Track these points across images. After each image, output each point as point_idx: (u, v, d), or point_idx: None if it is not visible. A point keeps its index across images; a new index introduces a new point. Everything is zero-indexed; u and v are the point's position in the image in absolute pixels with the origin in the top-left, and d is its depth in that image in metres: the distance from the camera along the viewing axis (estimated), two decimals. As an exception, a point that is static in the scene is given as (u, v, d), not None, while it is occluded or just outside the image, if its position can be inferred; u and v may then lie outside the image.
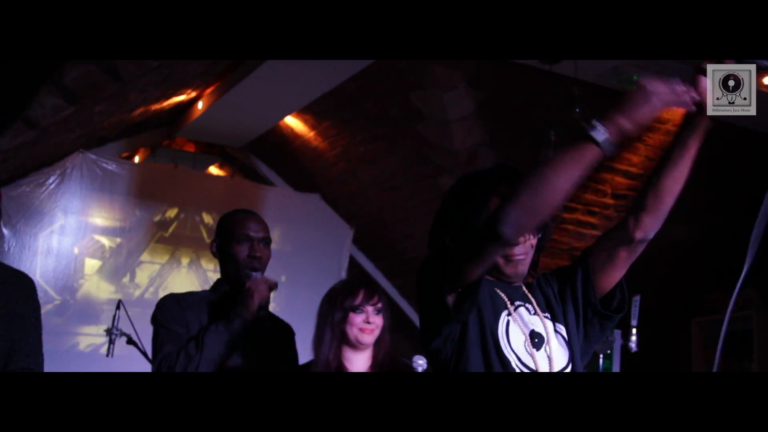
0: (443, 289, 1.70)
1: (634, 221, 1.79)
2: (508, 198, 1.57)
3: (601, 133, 1.54)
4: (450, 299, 1.70)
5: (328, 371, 2.52)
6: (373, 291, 2.65)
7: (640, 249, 1.82)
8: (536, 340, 1.78)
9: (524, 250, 1.82)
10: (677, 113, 4.79)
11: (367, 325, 2.57)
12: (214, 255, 2.52)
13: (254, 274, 2.41)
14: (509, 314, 1.79)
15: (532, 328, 1.80)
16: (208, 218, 5.46)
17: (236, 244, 2.44)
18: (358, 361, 2.60)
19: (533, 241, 1.84)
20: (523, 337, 1.77)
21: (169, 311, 2.40)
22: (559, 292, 1.89)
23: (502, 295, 1.82)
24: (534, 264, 1.91)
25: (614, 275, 1.84)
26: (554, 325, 1.85)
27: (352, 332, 2.57)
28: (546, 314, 1.85)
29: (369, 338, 2.59)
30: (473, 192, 1.85)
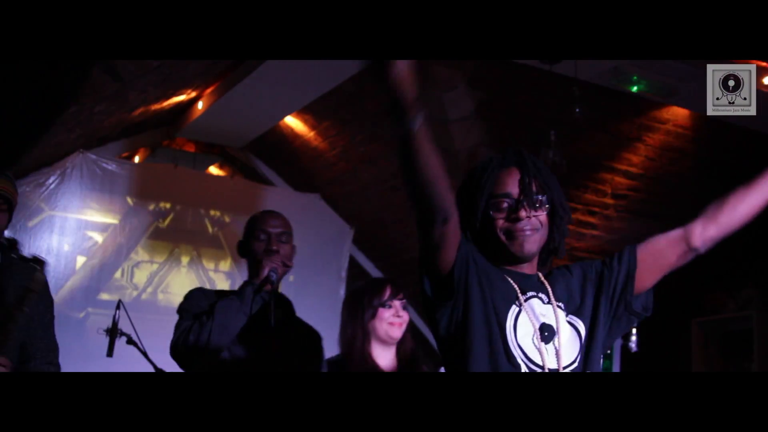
0: (423, 278, 1.72)
1: (702, 230, 1.79)
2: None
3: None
4: (429, 287, 1.72)
5: (362, 367, 2.59)
6: (398, 287, 2.74)
7: (691, 258, 1.81)
8: (546, 333, 1.73)
9: (530, 225, 1.75)
10: (678, 113, 4.80)
11: (396, 319, 2.67)
12: (241, 255, 2.58)
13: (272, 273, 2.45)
14: (519, 305, 1.74)
15: (543, 321, 1.74)
16: (207, 219, 5.46)
17: (255, 241, 2.51)
18: (387, 357, 2.68)
19: (541, 216, 1.77)
20: (532, 331, 1.72)
21: (195, 299, 2.47)
22: (587, 284, 1.83)
23: (514, 285, 1.76)
24: (553, 250, 1.84)
25: (655, 276, 1.82)
26: (569, 318, 1.79)
27: (382, 327, 2.65)
28: (560, 304, 1.79)
29: (399, 332, 2.68)
30: (475, 177, 1.83)
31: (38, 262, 2.52)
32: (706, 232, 1.79)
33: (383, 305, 2.66)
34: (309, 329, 2.67)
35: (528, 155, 1.81)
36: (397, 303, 2.69)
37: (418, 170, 1.54)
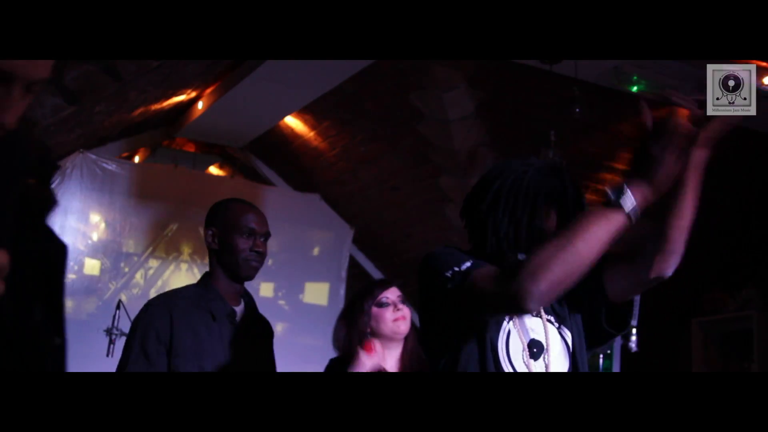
0: (443, 305, 1.68)
1: (648, 264, 1.70)
2: (532, 270, 1.46)
3: (629, 202, 1.48)
4: (444, 315, 1.70)
5: (369, 370, 2.54)
6: (386, 283, 2.73)
7: (657, 282, 1.75)
8: (534, 350, 1.72)
9: None
10: (678, 113, 4.79)
11: (398, 312, 2.62)
12: (209, 245, 2.44)
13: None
14: (510, 321, 1.72)
15: (531, 336, 1.72)
16: (208, 218, 5.46)
17: (238, 236, 2.39)
18: (393, 356, 2.64)
19: None
20: (521, 347, 1.71)
21: (155, 331, 2.27)
22: (565, 297, 1.79)
23: None
24: None
25: (625, 295, 1.77)
26: (559, 329, 1.77)
27: (387, 327, 2.61)
28: (550, 317, 1.77)
29: (404, 327, 2.63)
30: (526, 189, 1.72)
31: None
32: (654, 265, 1.70)
33: (376, 303, 2.63)
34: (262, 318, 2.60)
35: (572, 192, 1.74)
36: (391, 297, 2.65)
37: (589, 259, 1.47)
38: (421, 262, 1.77)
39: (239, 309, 2.43)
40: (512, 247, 1.71)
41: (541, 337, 1.74)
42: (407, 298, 2.71)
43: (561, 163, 1.79)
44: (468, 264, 1.64)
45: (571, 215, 1.68)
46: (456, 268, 1.64)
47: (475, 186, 1.83)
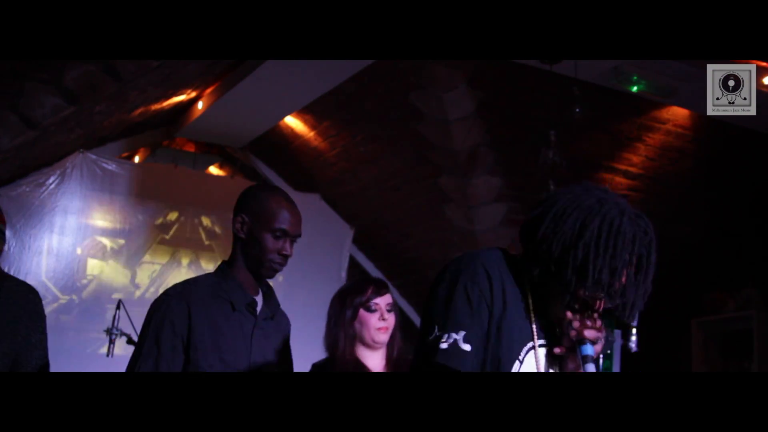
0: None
1: None
2: None
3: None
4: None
5: (347, 370, 2.54)
6: (382, 288, 2.68)
7: None
8: None
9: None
10: (678, 113, 4.80)
11: (382, 323, 2.61)
12: (236, 232, 2.32)
13: None
14: (530, 350, 1.72)
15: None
16: (207, 219, 5.46)
17: (269, 235, 2.28)
18: (374, 359, 2.64)
19: None
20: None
21: (171, 325, 2.20)
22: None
23: (533, 327, 1.72)
24: None
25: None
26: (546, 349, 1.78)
27: (369, 334, 2.61)
28: (540, 342, 1.76)
29: (384, 337, 2.63)
30: (624, 238, 1.66)
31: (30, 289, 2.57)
32: None
33: (365, 306, 2.61)
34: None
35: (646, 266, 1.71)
36: (381, 304, 2.63)
37: None
38: (442, 271, 1.74)
39: (259, 298, 2.37)
40: (605, 293, 1.67)
41: (532, 368, 1.73)
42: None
43: (642, 216, 1.73)
44: (458, 337, 1.65)
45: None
46: (441, 333, 1.66)
47: (556, 204, 1.73)
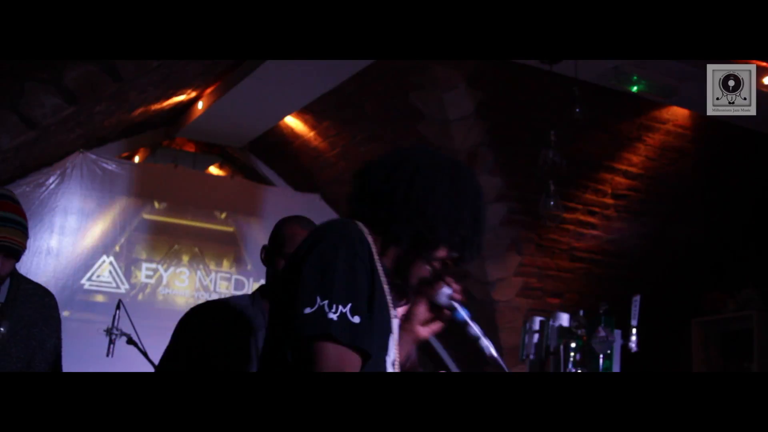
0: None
1: None
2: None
3: None
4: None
5: None
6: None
7: None
8: None
9: None
10: (678, 113, 4.80)
11: None
12: (262, 260, 2.40)
13: None
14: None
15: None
16: (207, 219, 5.46)
17: (283, 260, 2.26)
18: None
19: None
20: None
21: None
22: None
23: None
24: None
25: None
26: None
27: None
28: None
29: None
30: (472, 187, 1.73)
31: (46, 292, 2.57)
32: None
33: None
34: None
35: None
36: None
37: None
38: (313, 240, 1.65)
39: None
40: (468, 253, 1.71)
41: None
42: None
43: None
44: (345, 310, 1.57)
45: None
46: (329, 304, 1.57)
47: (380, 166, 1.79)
